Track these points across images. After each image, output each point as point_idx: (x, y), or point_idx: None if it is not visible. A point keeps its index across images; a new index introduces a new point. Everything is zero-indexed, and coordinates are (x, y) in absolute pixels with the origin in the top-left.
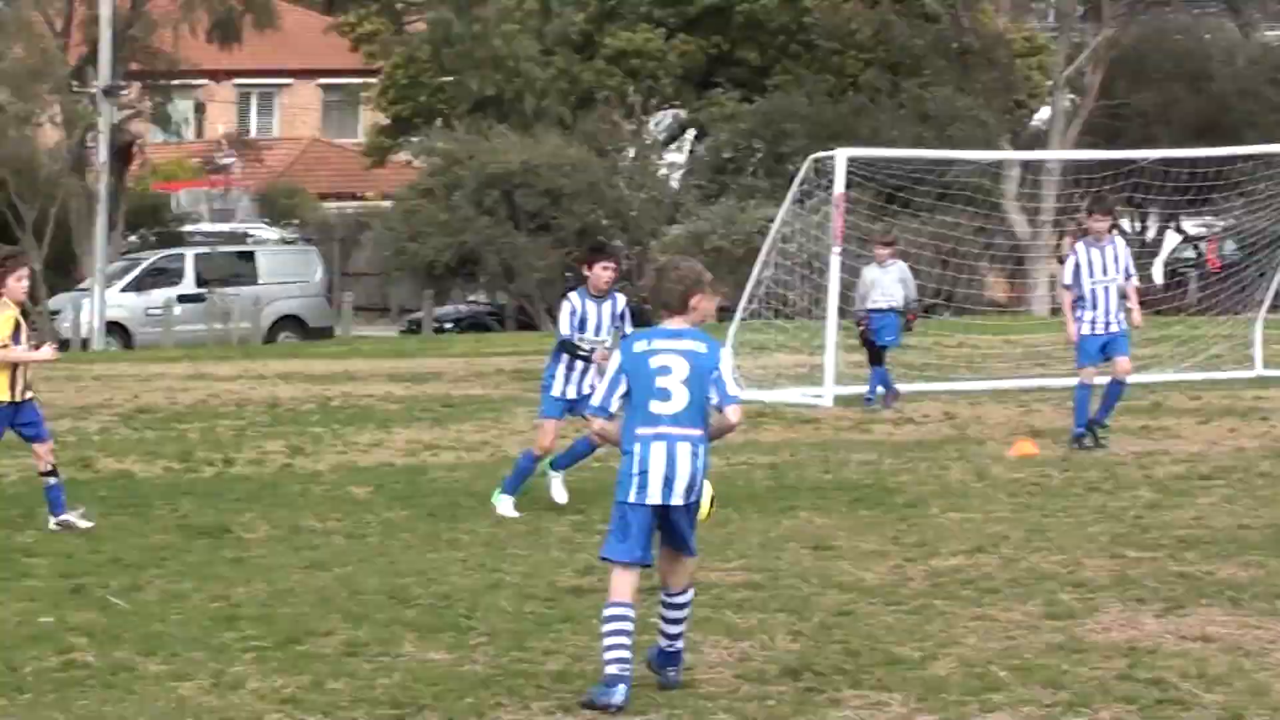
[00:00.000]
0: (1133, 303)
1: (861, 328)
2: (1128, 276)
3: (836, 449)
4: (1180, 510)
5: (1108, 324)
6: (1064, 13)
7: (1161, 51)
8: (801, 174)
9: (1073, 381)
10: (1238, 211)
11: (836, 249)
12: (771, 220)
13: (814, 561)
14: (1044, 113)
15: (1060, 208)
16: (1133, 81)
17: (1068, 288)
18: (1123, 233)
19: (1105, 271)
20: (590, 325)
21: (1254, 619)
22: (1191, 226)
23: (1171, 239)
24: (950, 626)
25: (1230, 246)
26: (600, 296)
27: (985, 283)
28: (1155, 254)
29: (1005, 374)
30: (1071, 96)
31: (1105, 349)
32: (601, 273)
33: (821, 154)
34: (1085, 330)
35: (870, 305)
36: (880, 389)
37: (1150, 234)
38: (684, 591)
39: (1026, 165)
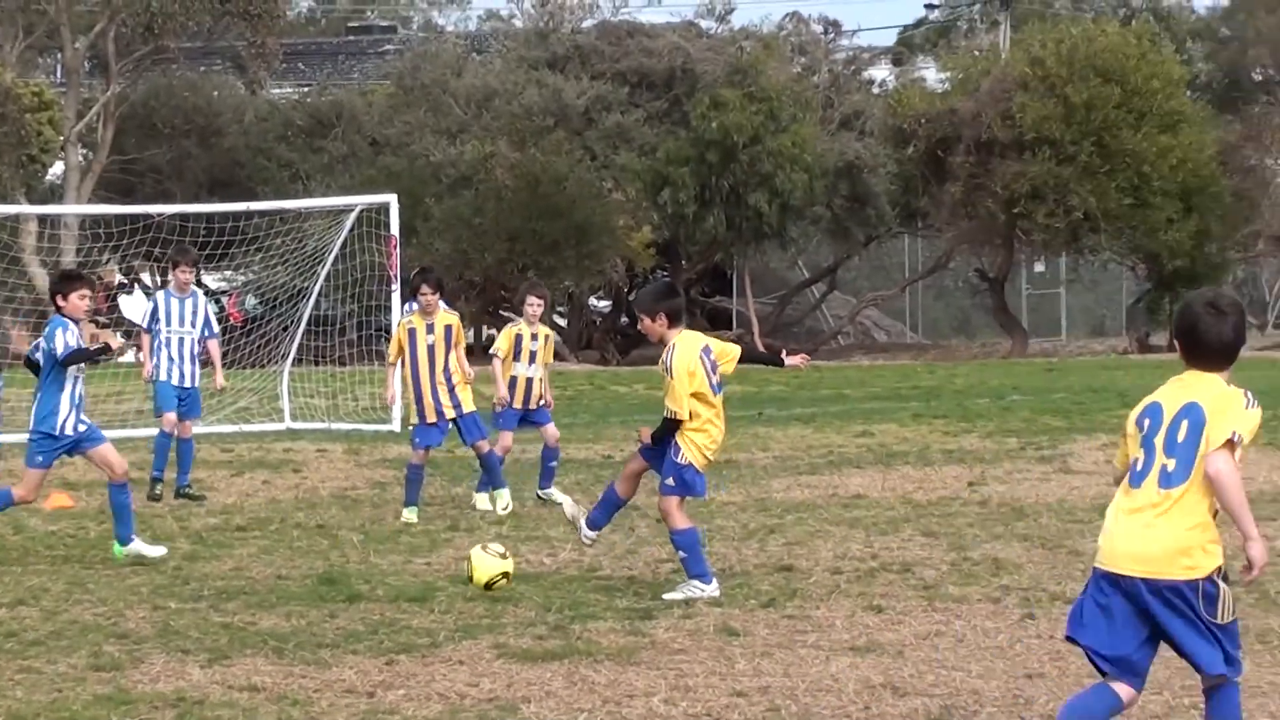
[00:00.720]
0: (215, 361)
1: None
2: (209, 334)
3: None
4: (219, 562)
5: (183, 375)
6: (72, 69)
7: (171, 108)
8: None
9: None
10: (257, 266)
11: None
12: None
13: None
14: (58, 167)
15: (80, 261)
16: (145, 137)
17: (146, 330)
18: (144, 288)
19: (183, 323)
20: None
21: (299, 668)
22: (213, 281)
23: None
24: None
25: (252, 301)
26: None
27: (9, 336)
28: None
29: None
30: (85, 152)
31: (179, 401)
32: (79, 302)
33: None
34: (163, 377)
35: None
36: None
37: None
38: None
39: (44, 220)
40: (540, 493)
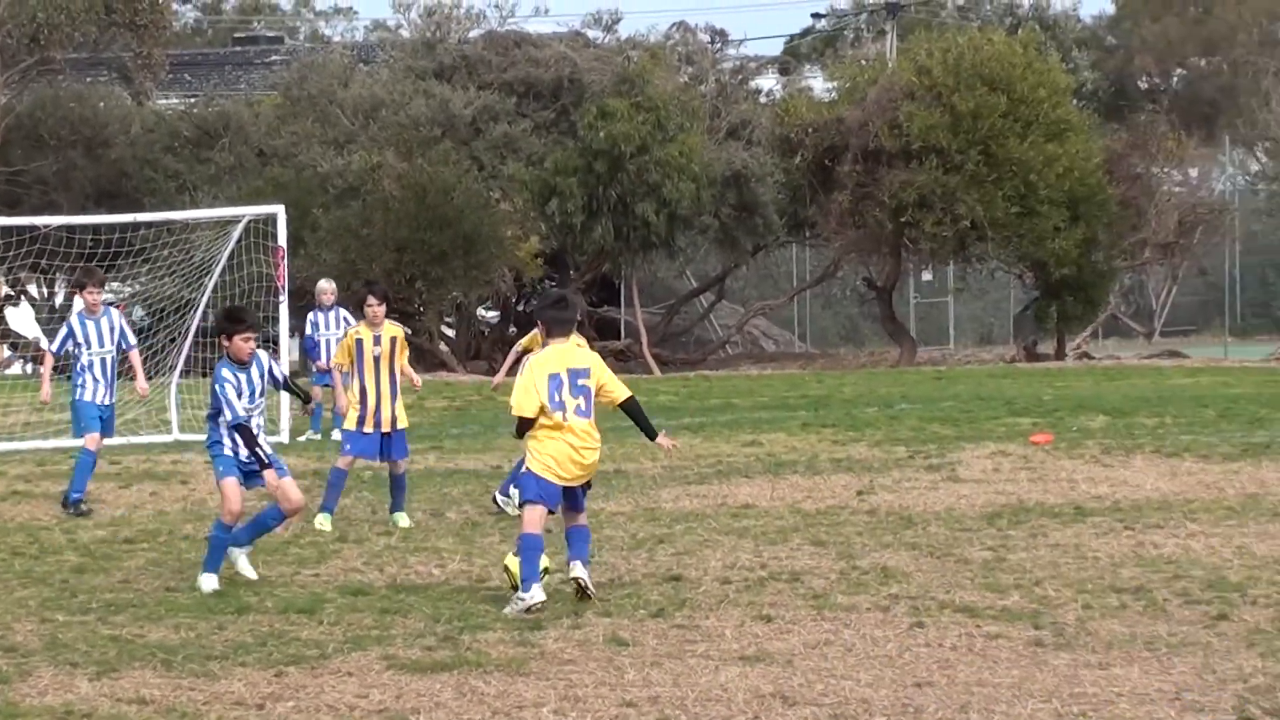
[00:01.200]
0: (137, 369)
1: None
2: (128, 346)
3: None
4: (107, 574)
5: (106, 395)
6: None
7: (57, 119)
8: None
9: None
10: (144, 278)
11: None
12: None
13: None
14: None
15: None
16: (31, 148)
17: (53, 354)
18: (31, 300)
19: (102, 343)
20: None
21: (187, 680)
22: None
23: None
24: None
25: (139, 312)
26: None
27: None
28: (65, 318)
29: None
30: None
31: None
32: (243, 344)
33: None
34: (87, 397)
35: None
36: None
37: (59, 300)
38: None
39: None
40: (499, 496)
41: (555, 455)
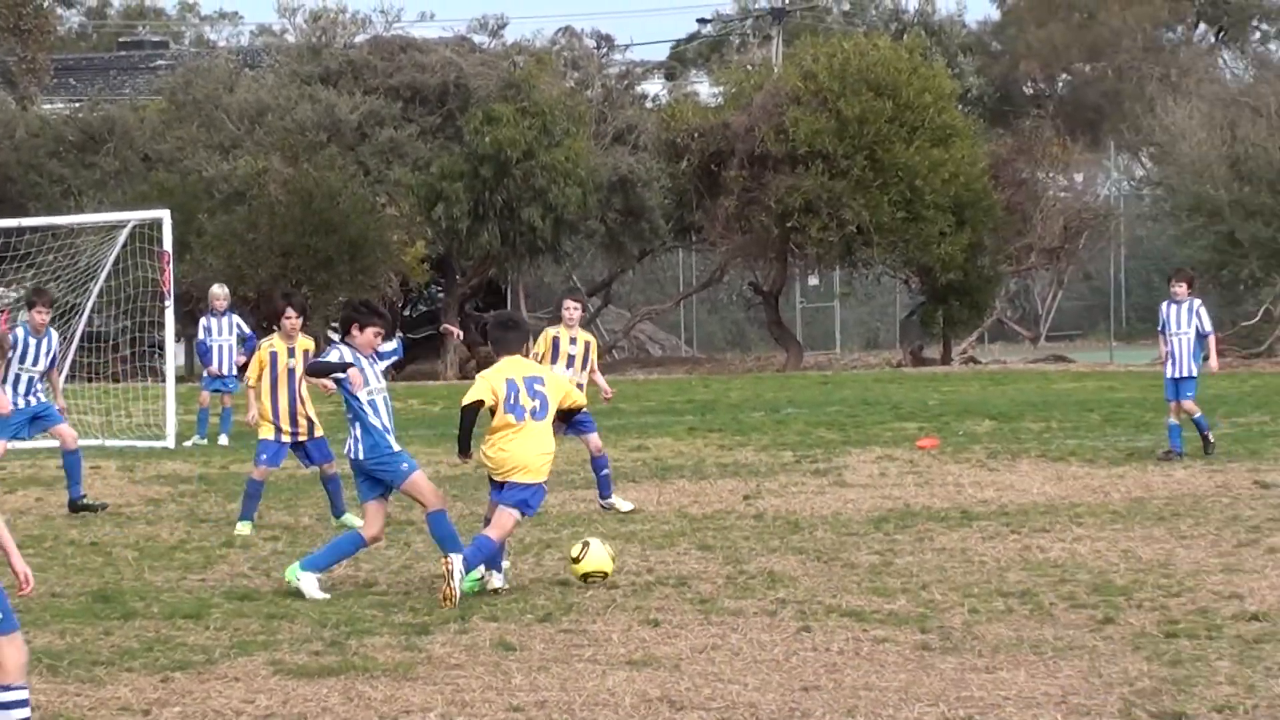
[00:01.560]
0: (56, 388)
1: None
2: (52, 365)
3: None
4: None
5: (28, 400)
6: None
7: None
8: None
9: None
10: (29, 283)
11: None
12: None
13: None
14: None
15: None
16: None
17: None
18: None
19: (36, 362)
20: None
21: (73, 686)
22: None
23: None
24: None
25: (24, 317)
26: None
27: None
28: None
29: None
30: None
31: (36, 421)
32: (372, 338)
33: None
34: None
35: None
36: None
37: None
38: None
39: None
40: (602, 503)
41: (499, 460)
